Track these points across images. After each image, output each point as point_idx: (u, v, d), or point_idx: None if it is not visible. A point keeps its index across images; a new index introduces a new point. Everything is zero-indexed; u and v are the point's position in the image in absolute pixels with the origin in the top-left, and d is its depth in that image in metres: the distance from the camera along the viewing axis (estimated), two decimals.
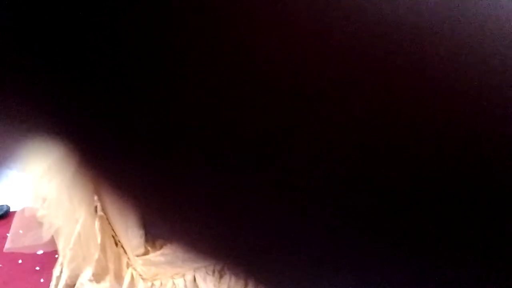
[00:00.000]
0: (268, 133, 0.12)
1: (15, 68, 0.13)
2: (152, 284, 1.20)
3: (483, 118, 0.11)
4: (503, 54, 0.11)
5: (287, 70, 0.12)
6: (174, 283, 1.20)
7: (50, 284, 1.71)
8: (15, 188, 1.60)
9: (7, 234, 1.90)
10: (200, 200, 0.14)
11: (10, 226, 1.94)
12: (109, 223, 1.17)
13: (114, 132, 0.13)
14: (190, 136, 0.12)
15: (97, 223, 1.27)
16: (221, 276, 0.96)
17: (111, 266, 1.36)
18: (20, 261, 1.85)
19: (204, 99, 0.12)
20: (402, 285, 0.14)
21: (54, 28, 0.12)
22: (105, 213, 1.20)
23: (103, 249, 1.38)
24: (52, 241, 1.56)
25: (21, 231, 1.60)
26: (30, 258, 1.83)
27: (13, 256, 1.79)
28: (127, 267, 1.29)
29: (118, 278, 1.36)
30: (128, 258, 1.31)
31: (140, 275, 1.22)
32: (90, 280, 1.48)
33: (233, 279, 0.92)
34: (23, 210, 1.66)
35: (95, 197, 1.19)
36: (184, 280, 1.19)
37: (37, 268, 1.82)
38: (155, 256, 1.00)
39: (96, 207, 1.22)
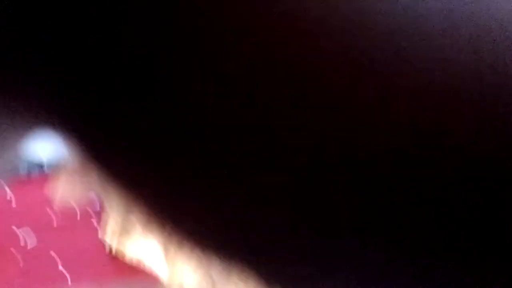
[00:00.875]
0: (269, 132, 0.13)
1: (21, 63, 0.14)
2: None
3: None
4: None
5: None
6: None
7: (105, 236, 1.74)
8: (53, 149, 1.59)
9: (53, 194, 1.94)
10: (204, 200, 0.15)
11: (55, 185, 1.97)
12: None
13: (118, 129, 0.14)
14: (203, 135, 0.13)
15: None
16: None
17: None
18: (76, 214, 1.88)
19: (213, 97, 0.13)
20: (402, 285, 0.15)
21: (62, 23, 0.12)
22: None
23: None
24: (100, 195, 1.55)
25: (67, 186, 1.61)
26: (85, 210, 1.86)
27: (68, 209, 1.82)
28: None
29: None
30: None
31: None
32: (143, 230, 1.47)
33: None
34: (66, 166, 1.66)
35: None
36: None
37: (94, 222, 1.84)
38: None
39: None
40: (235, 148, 0.12)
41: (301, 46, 0.11)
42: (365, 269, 0.12)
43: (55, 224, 1.93)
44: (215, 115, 0.11)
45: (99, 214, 1.84)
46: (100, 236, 1.68)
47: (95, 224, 1.83)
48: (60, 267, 1.72)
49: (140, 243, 1.48)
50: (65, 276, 1.65)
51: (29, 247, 1.83)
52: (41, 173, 2.16)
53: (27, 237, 1.82)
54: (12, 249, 1.75)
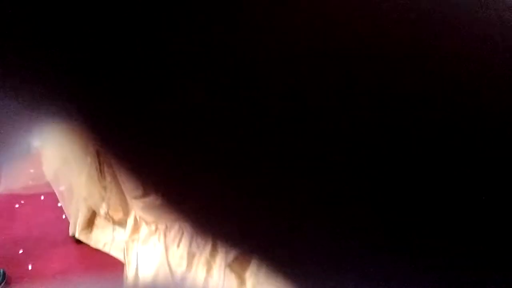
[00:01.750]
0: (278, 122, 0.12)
1: (32, 52, 0.13)
2: (156, 228, 1.12)
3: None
4: None
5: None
6: (180, 226, 1.13)
7: (70, 222, 1.72)
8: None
9: (31, 171, 1.90)
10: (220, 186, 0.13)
11: (32, 163, 1.93)
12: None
13: (132, 117, 0.13)
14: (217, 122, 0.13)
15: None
16: None
17: (123, 204, 1.31)
18: (42, 198, 1.84)
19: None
20: (402, 285, 0.14)
21: (74, 13, 0.12)
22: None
23: (114, 188, 1.33)
24: (55, 179, 1.52)
25: (31, 170, 1.57)
26: (52, 194, 1.82)
27: (35, 192, 1.78)
28: (131, 209, 1.23)
29: (125, 217, 1.31)
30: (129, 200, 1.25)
31: (142, 218, 1.15)
32: (107, 217, 1.45)
33: None
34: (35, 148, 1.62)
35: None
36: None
37: (59, 204, 1.81)
38: (154, 198, 0.90)
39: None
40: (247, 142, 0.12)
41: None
42: (366, 268, 0.13)
43: (17, 205, 1.89)
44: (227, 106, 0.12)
45: (63, 198, 1.81)
46: (66, 225, 1.66)
47: (61, 209, 1.80)
48: (21, 251, 1.69)
49: (105, 233, 1.45)
50: (26, 259, 1.62)
51: None
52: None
53: None
54: None
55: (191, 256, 1.01)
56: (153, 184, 0.15)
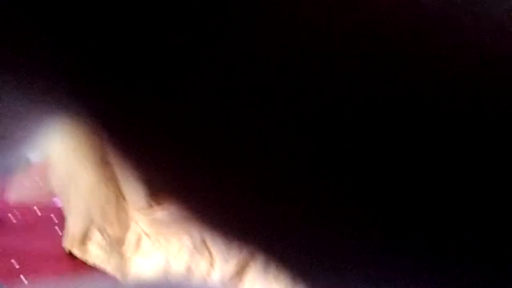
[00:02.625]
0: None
1: (42, 47, 0.16)
2: (157, 241, 1.15)
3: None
4: None
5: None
6: (180, 241, 1.15)
7: (65, 237, 1.71)
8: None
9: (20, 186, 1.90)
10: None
11: (30, 177, 1.93)
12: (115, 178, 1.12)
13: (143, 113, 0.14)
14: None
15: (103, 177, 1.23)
16: None
17: (121, 219, 1.33)
18: (38, 213, 1.85)
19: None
20: (402, 285, 0.17)
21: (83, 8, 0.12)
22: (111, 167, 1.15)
23: (113, 202, 1.35)
24: (61, 193, 1.54)
25: (26, 184, 1.58)
26: (49, 210, 1.82)
27: (31, 208, 1.79)
28: (131, 223, 1.25)
29: (129, 231, 1.33)
30: (131, 213, 1.28)
31: (144, 231, 1.18)
32: (104, 234, 1.46)
33: None
34: (34, 163, 1.64)
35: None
36: (191, 238, 1.15)
37: (56, 220, 1.81)
38: (159, 212, 0.93)
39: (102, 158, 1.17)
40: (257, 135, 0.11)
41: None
42: (367, 268, 0.12)
43: (14, 220, 1.89)
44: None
45: (60, 214, 1.81)
46: (60, 239, 1.66)
47: (55, 223, 1.81)
48: (17, 266, 1.68)
49: (100, 248, 1.47)
50: (21, 274, 1.61)
51: None
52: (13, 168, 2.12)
53: None
54: None
55: (189, 271, 1.03)
56: (164, 189, 0.17)
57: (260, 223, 0.15)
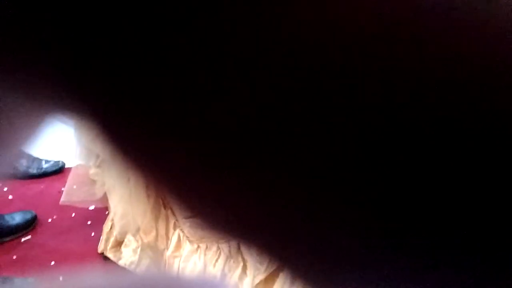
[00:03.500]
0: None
1: (42, 43, 0.12)
2: (198, 247, 1.23)
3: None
4: None
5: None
6: (219, 247, 1.23)
7: (100, 238, 1.81)
8: (70, 145, 1.68)
9: (62, 189, 2.02)
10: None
11: (65, 181, 2.05)
12: None
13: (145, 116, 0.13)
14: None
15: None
16: None
17: (159, 226, 1.42)
18: (73, 215, 1.95)
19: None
20: (401, 285, 0.13)
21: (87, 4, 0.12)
22: None
23: (151, 209, 1.44)
24: (104, 198, 1.63)
25: (75, 187, 1.68)
26: (83, 212, 1.93)
27: (67, 209, 1.89)
28: (175, 229, 1.33)
29: (165, 238, 1.41)
30: (176, 220, 1.36)
31: (187, 237, 1.26)
32: (137, 238, 1.55)
33: None
34: (77, 167, 1.74)
35: None
36: (229, 245, 1.22)
37: (89, 222, 1.91)
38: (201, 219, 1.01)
39: None
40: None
41: None
42: (365, 268, 0.13)
43: (50, 220, 1.99)
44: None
45: (93, 217, 1.91)
46: (93, 240, 1.75)
47: (89, 225, 1.90)
48: (52, 262, 1.78)
49: (132, 252, 1.54)
50: (56, 271, 1.70)
51: (22, 240, 1.89)
52: (45, 169, 2.23)
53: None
54: (6, 238, 1.81)
55: (223, 276, 1.11)
56: (191, 206, 0.14)
57: (261, 224, 0.14)
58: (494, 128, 0.11)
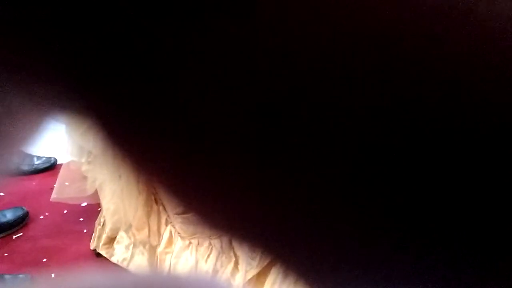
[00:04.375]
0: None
1: (43, 40, 0.12)
2: (190, 243, 1.24)
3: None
4: None
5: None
6: (210, 243, 1.24)
7: (93, 235, 1.80)
8: (62, 141, 1.67)
9: (54, 185, 2.01)
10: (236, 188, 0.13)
11: (56, 177, 2.04)
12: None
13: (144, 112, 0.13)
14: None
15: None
16: None
17: (151, 222, 1.42)
18: (65, 211, 1.94)
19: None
20: (401, 285, 0.13)
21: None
22: None
23: (143, 205, 1.44)
24: (96, 195, 1.63)
25: (66, 183, 1.68)
26: (75, 209, 1.92)
27: (58, 206, 1.88)
28: (166, 225, 1.34)
29: (156, 234, 1.42)
30: (168, 216, 1.36)
31: (178, 233, 1.26)
32: (130, 235, 1.55)
33: None
34: (69, 163, 1.73)
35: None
36: (221, 241, 1.23)
37: (81, 219, 1.90)
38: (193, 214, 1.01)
39: None
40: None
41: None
42: (364, 268, 0.13)
43: (41, 216, 1.98)
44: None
45: (85, 214, 1.90)
46: (85, 237, 1.75)
47: (81, 222, 1.89)
48: (44, 259, 1.77)
49: (125, 249, 1.53)
50: (48, 268, 1.70)
51: (14, 236, 1.88)
52: (37, 166, 2.22)
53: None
54: None
55: (215, 272, 1.11)
56: (183, 202, 0.14)
57: (255, 219, 0.14)
58: (495, 128, 0.10)
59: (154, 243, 1.36)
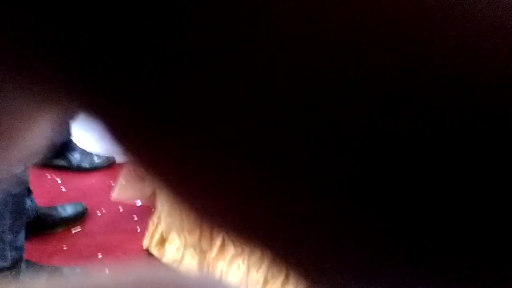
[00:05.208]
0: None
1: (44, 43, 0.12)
2: (242, 250, 1.23)
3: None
4: None
5: None
6: (263, 253, 1.22)
7: (146, 234, 1.85)
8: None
9: (112, 183, 2.08)
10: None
11: (114, 176, 2.11)
12: None
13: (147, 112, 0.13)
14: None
15: None
16: None
17: (203, 226, 1.43)
18: (121, 210, 2.00)
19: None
20: (401, 285, 0.13)
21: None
22: None
23: None
24: (152, 196, 1.67)
25: (125, 183, 1.73)
26: (130, 207, 1.98)
27: (115, 203, 1.95)
28: (214, 231, 1.34)
29: (208, 239, 1.42)
30: None
31: (231, 240, 1.25)
32: (181, 237, 1.57)
33: None
34: (128, 164, 1.78)
35: None
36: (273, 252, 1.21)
37: (135, 218, 1.96)
38: None
39: None
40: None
41: None
42: (363, 268, 0.13)
43: (99, 213, 2.06)
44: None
45: (140, 213, 1.95)
46: (139, 235, 1.79)
47: (136, 220, 1.95)
48: (99, 254, 1.84)
49: (176, 250, 1.55)
50: (102, 263, 1.75)
51: (73, 231, 1.97)
52: (97, 164, 2.32)
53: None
54: (58, 229, 1.89)
55: (265, 283, 1.10)
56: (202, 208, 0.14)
57: (263, 225, 0.13)
58: (495, 127, 0.10)
59: (205, 247, 1.36)
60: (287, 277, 1.12)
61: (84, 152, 2.34)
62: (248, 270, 1.10)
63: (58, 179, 2.23)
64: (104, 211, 2.07)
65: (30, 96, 0.14)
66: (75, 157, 2.35)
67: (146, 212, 1.82)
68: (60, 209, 1.93)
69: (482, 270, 0.12)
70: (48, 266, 1.73)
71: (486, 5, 0.10)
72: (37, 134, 0.17)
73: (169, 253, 1.68)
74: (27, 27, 0.12)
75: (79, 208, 2.00)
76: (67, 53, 0.12)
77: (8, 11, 0.12)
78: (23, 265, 1.62)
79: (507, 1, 0.10)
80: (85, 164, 2.33)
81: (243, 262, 1.13)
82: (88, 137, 2.28)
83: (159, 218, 1.63)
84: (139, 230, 1.89)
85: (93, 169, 2.30)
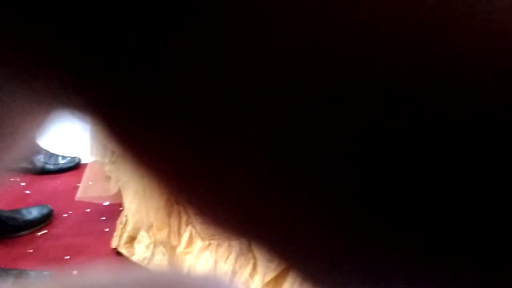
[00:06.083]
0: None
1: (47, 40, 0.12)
2: (209, 243, 1.25)
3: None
4: None
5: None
6: (230, 245, 1.25)
7: (114, 234, 1.83)
8: (86, 141, 1.71)
9: (78, 184, 2.05)
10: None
11: (80, 177, 2.08)
12: None
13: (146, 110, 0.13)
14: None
15: None
16: None
17: (171, 222, 1.44)
18: (88, 210, 1.98)
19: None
20: (401, 285, 0.13)
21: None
22: None
23: (164, 205, 1.46)
24: (118, 194, 1.66)
25: (91, 183, 1.71)
26: (97, 208, 1.96)
27: (82, 205, 1.92)
28: (187, 225, 1.36)
29: (177, 234, 1.44)
30: (188, 216, 1.38)
31: (198, 233, 1.28)
32: (150, 234, 1.57)
33: None
34: (92, 163, 1.77)
35: None
36: (240, 243, 1.23)
37: (103, 218, 1.94)
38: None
39: None
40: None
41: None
42: (363, 268, 0.13)
43: (65, 215, 2.03)
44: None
45: (107, 213, 1.93)
46: (107, 236, 1.78)
47: (103, 221, 1.93)
48: (67, 256, 1.81)
49: (145, 248, 1.55)
50: (70, 265, 1.73)
51: (38, 234, 1.93)
52: (62, 165, 2.28)
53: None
54: (23, 232, 1.85)
55: (233, 274, 1.12)
56: (200, 206, 0.14)
57: (272, 225, 0.13)
58: (495, 127, 0.10)
59: (174, 243, 1.37)
60: (254, 267, 1.15)
61: (48, 154, 2.29)
62: (216, 262, 1.12)
63: (22, 182, 2.18)
64: (71, 213, 2.04)
65: (30, 96, 0.14)
66: (39, 159, 2.30)
67: (114, 212, 1.81)
68: (24, 212, 1.90)
69: (482, 270, 0.12)
70: (14, 270, 1.70)
71: (486, 5, 0.10)
72: (30, 135, 0.17)
73: (139, 251, 1.68)
74: (27, 27, 0.12)
75: (44, 211, 1.96)
76: (67, 53, 0.12)
77: (9, 11, 0.12)
78: None
79: (507, 1, 0.10)
80: (50, 166, 2.28)
81: (210, 254, 1.15)
82: (52, 138, 2.24)
83: (127, 217, 1.63)
84: (107, 230, 1.88)
85: (58, 170, 2.26)
